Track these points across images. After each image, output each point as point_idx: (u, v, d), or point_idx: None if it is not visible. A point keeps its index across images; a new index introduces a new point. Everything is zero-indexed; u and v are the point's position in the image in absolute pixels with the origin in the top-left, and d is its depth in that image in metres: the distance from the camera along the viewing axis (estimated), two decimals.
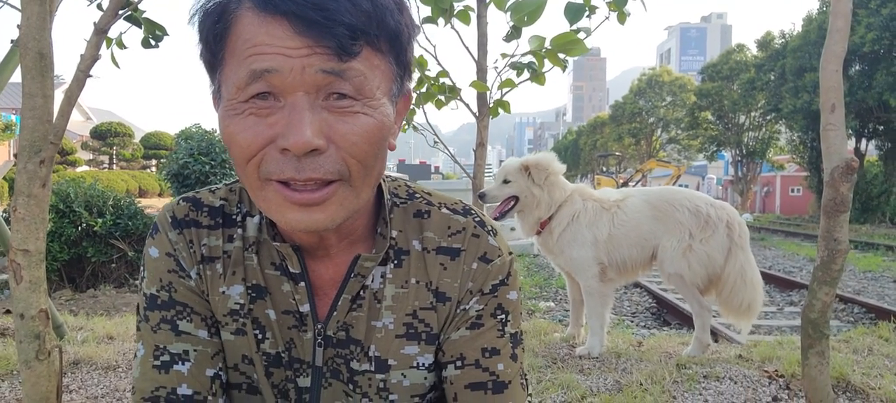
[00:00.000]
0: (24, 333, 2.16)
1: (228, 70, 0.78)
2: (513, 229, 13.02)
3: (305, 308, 0.94)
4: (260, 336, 0.95)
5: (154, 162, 33.23)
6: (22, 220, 2.11)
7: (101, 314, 5.59)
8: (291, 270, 0.93)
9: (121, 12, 2.28)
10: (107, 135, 31.46)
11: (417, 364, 0.96)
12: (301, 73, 0.74)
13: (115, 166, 31.47)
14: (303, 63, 0.73)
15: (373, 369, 0.95)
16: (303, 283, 0.94)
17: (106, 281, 7.83)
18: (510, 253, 1.00)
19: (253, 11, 0.75)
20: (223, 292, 0.94)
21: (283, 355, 0.96)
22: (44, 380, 2.20)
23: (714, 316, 4.69)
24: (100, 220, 7.69)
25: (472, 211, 1.00)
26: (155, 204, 17.62)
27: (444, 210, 0.99)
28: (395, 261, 0.95)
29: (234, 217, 0.96)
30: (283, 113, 0.75)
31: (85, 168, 28.34)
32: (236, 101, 0.77)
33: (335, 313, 0.94)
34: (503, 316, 0.97)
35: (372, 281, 0.95)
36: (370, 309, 0.95)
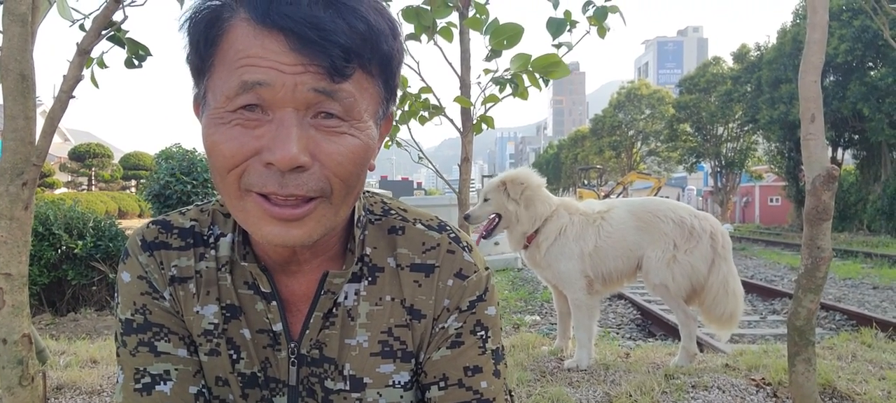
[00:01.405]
0: (7, 359, 2.12)
1: (217, 77, 0.77)
2: (497, 243, 13.09)
3: (278, 327, 0.93)
4: (235, 356, 0.94)
5: (133, 182, 32.89)
6: (4, 244, 2.08)
7: (82, 337, 5.50)
8: (263, 289, 0.93)
9: (104, 32, 2.27)
10: (85, 157, 31.10)
11: (393, 382, 0.94)
12: (292, 90, 0.73)
13: (94, 187, 31.09)
14: (295, 80, 0.73)
15: (348, 388, 0.94)
16: (274, 302, 0.93)
17: (87, 305, 7.71)
18: (487, 268, 0.99)
19: (248, 22, 0.74)
20: (197, 312, 0.93)
21: (259, 375, 0.95)
22: None
23: (699, 326, 4.73)
24: (80, 243, 7.58)
25: (447, 227, 1.00)
26: (135, 225, 17.41)
27: (418, 226, 0.98)
28: (369, 278, 0.94)
29: (205, 237, 0.95)
30: (271, 126, 0.75)
31: (63, 190, 27.96)
32: (223, 110, 0.76)
33: (307, 331, 0.93)
34: (483, 332, 0.96)
35: (345, 299, 0.94)
36: (343, 327, 0.94)
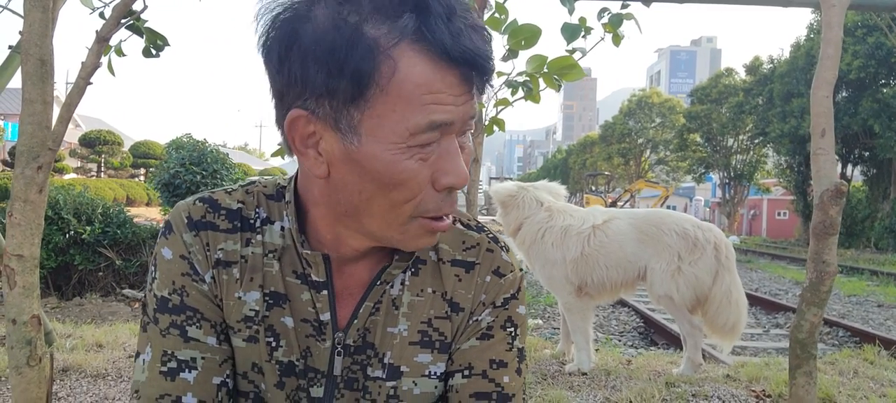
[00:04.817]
0: (16, 339, 2.15)
1: (389, 109, 0.77)
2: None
3: (326, 316, 0.94)
4: (274, 344, 0.94)
5: (143, 171, 33.03)
6: (18, 225, 2.11)
7: (87, 322, 5.54)
8: (315, 278, 0.93)
9: (123, 21, 2.29)
10: (96, 143, 31.25)
11: (429, 372, 0.96)
12: (462, 121, 0.80)
13: (103, 174, 31.24)
14: (464, 110, 0.79)
15: (384, 376, 0.95)
16: (325, 291, 0.93)
17: (92, 290, 7.77)
18: (521, 270, 1.03)
19: (423, 53, 0.76)
20: (239, 297, 0.93)
21: (297, 363, 0.95)
22: (34, 387, 2.18)
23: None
24: (88, 228, 7.64)
25: (485, 228, 1.03)
26: (143, 214, 17.50)
27: (458, 225, 1.01)
28: (412, 269, 0.97)
29: (251, 221, 0.95)
30: (437, 152, 0.80)
31: (73, 175, 28.12)
32: (405, 145, 0.78)
33: (356, 320, 0.94)
34: (512, 329, 0.99)
35: (392, 287, 0.96)
36: (387, 315, 0.95)
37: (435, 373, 0.97)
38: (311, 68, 0.77)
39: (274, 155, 2.89)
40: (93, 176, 30.27)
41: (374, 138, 0.79)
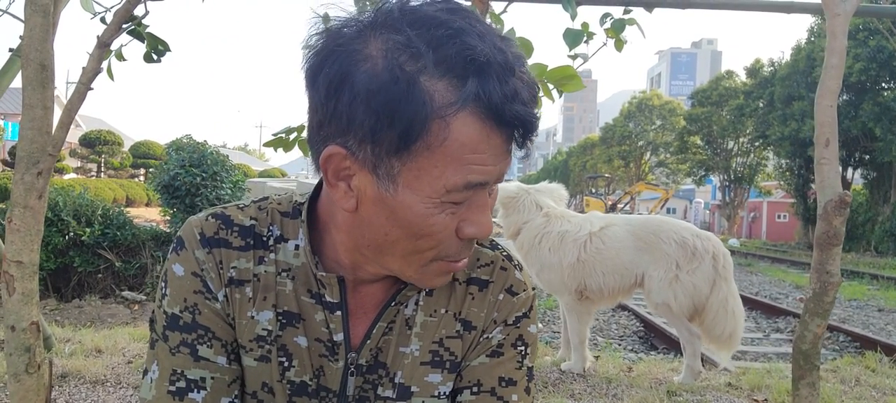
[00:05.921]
0: (15, 345, 2.14)
1: (429, 164, 0.76)
2: None
3: (339, 337, 0.93)
4: (286, 364, 0.93)
5: (143, 171, 33.02)
6: (17, 232, 2.10)
7: (87, 325, 5.53)
8: (329, 299, 0.92)
9: (124, 26, 2.28)
10: (96, 143, 31.25)
11: (439, 393, 0.96)
12: (496, 179, 0.81)
13: (103, 174, 31.24)
14: (500, 169, 0.80)
15: (394, 396, 0.94)
16: (339, 312, 0.93)
17: (92, 292, 7.76)
18: (533, 289, 1.03)
19: (475, 115, 0.75)
20: (251, 316, 0.92)
21: (310, 383, 0.94)
22: (32, 394, 2.17)
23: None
24: (88, 230, 7.63)
25: (499, 246, 1.03)
26: (142, 214, 17.49)
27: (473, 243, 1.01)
28: (427, 290, 0.96)
29: (264, 239, 0.94)
30: (467, 205, 0.81)
31: (73, 175, 28.11)
32: (439, 200, 0.79)
33: (369, 340, 0.94)
34: (523, 348, 0.99)
35: (406, 307, 0.96)
36: (400, 335, 0.95)
37: (444, 393, 0.96)
38: (360, 112, 0.75)
39: (267, 145, 2.88)
40: (93, 176, 30.25)
41: (411, 189, 0.78)
